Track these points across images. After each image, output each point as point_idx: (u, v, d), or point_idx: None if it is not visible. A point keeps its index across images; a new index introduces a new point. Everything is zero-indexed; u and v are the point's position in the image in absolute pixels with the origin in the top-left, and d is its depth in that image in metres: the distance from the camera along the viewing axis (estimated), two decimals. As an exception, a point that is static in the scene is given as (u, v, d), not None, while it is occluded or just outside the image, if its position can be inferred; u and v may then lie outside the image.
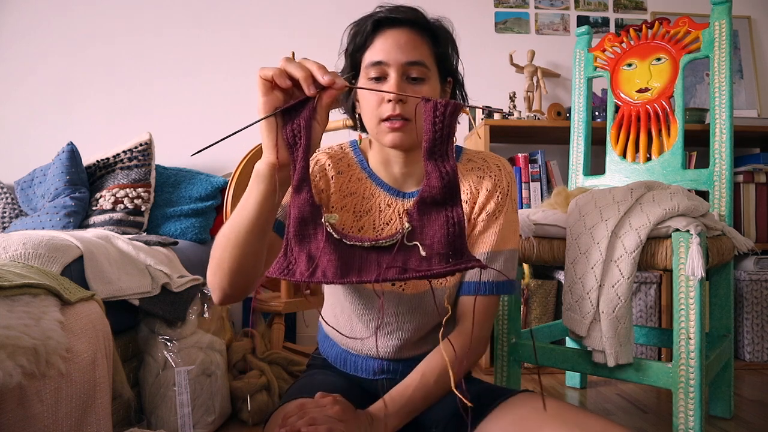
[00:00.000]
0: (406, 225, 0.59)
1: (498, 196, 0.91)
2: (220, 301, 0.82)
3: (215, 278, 0.79)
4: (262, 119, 0.67)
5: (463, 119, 2.32)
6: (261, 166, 0.70)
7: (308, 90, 0.65)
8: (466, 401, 0.57)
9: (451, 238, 0.57)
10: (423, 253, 0.56)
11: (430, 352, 0.89)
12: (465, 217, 0.76)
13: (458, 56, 0.94)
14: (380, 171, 0.94)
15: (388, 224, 0.91)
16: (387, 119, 0.83)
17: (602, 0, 2.50)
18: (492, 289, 0.90)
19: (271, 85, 0.66)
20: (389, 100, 0.82)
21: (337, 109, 0.94)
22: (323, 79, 0.64)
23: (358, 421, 0.79)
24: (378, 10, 0.88)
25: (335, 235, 0.60)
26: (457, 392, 0.55)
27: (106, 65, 2.31)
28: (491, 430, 0.81)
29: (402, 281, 0.58)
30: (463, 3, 2.42)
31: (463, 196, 0.92)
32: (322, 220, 0.61)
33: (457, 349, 0.86)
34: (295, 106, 0.66)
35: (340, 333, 0.97)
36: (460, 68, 0.96)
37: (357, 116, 0.94)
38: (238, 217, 0.74)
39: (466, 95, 0.98)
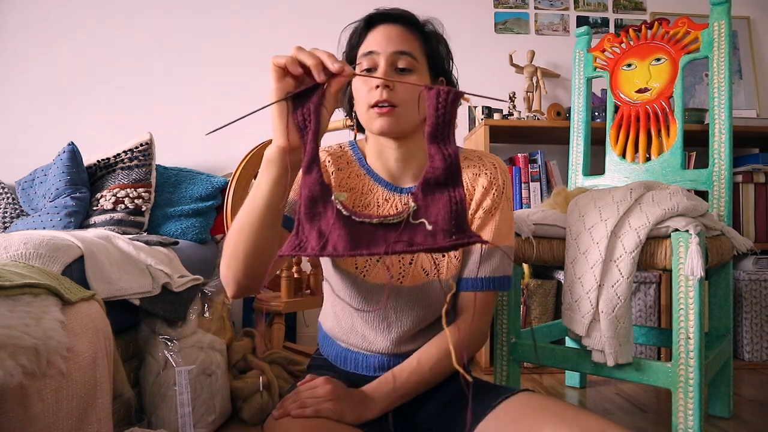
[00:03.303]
0: (412, 204, 0.61)
1: (494, 193, 0.94)
2: (235, 294, 0.83)
3: (230, 270, 0.80)
4: (274, 102, 0.69)
5: (463, 120, 2.33)
6: (271, 151, 0.73)
7: (318, 77, 0.67)
8: (467, 376, 0.59)
9: (454, 215, 0.59)
10: (429, 227, 0.59)
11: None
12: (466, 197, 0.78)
13: (452, 60, 0.97)
14: (377, 167, 0.96)
15: None
16: (375, 105, 0.86)
17: (602, 0, 2.51)
18: (489, 285, 0.93)
19: (283, 72, 0.69)
20: (377, 87, 0.85)
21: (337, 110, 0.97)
22: (333, 67, 0.66)
23: (351, 398, 0.84)
24: (373, 11, 0.93)
25: (344, 212, 0.62)
26: (460, 369, 0.57)
27: (107, 65, 2.31)
28: (491, 429, 0.82)
29: (410, 253, 0.61)
30: (463, 3, 2.43)
31: None
32: (332, 198, 0.63)
33: (457, 338, 0.90)
34: (305, 92, 0.68)
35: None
36: (456, 71, 0.99)
37: (354, 114, 0.97)
38: (251, 205, 0.76)
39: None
